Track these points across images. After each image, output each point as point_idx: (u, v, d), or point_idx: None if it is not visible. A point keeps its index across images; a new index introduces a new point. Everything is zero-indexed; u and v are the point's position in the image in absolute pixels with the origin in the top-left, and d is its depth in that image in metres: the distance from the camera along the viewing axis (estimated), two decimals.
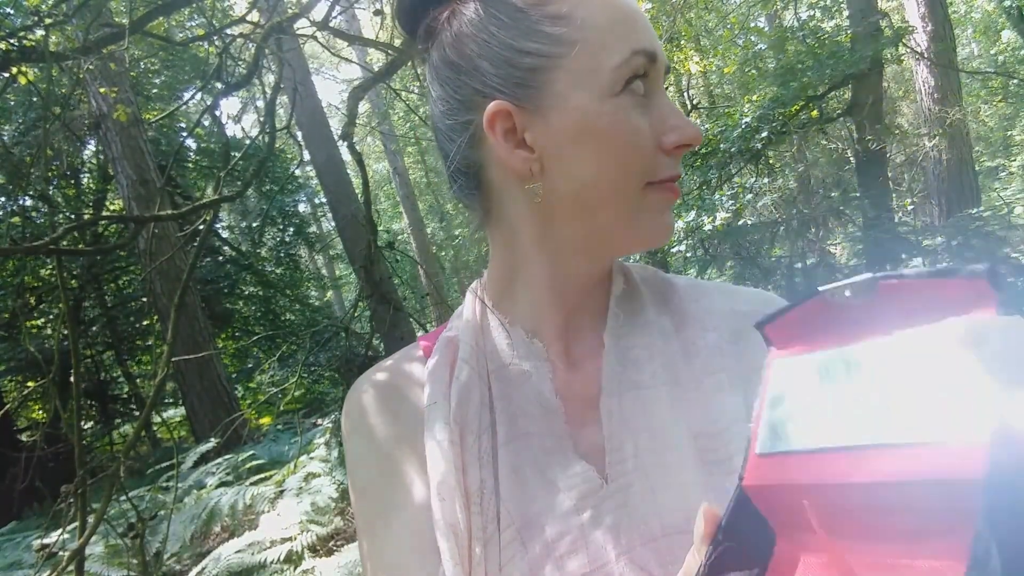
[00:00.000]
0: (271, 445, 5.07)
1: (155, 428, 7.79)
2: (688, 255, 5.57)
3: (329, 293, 16.26)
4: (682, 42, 6.44)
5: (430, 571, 0.48)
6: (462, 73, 0.53)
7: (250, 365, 9.65)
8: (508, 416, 0.53)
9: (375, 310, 4.31)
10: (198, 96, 6.45)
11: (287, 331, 9.05)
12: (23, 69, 2.78)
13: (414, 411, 0.55)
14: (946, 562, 0.22)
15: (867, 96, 5.61)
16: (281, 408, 6.27)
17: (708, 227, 5.00)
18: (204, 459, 4.48)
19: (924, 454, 0.22)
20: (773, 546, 0.28)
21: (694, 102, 7.48)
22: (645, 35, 0.50)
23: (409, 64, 3.24)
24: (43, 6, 3.27)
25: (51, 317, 7.92)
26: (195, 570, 2.72)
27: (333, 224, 8.19)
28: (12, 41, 2.60)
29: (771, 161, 6.20)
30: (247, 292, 10.11)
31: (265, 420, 7.61)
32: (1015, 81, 10.43)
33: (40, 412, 7.56)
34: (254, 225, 10.83)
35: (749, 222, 5.49)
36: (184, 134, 8.90)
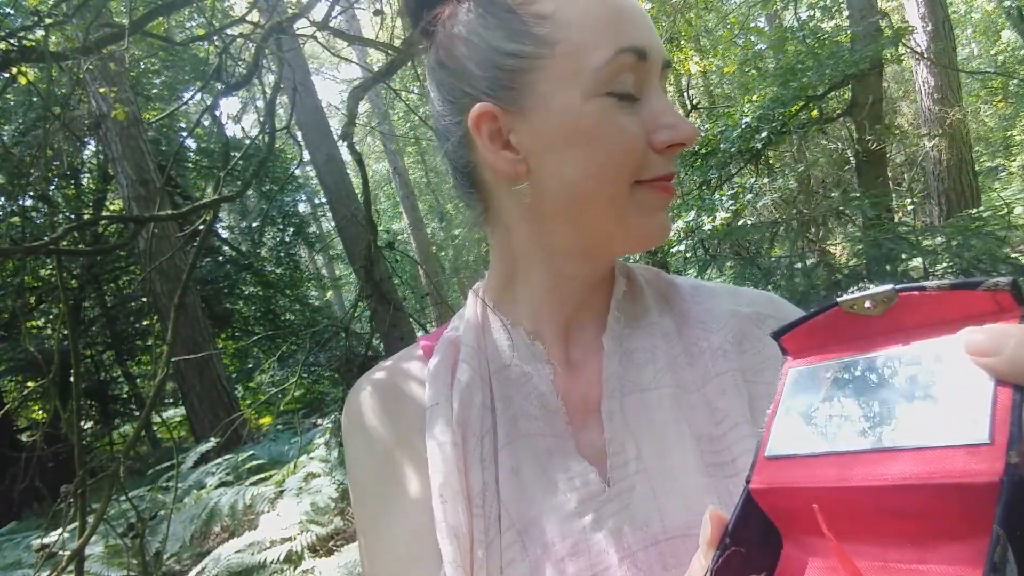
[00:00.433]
0: (271, 445, 5.07)
1: (155, 428, 7.79)
2: (688, 255, 5.57)
3: (329, 293, 16.26)
4: (682, 42, 6.44)
5: (430, 572, 0.48)
6: (453, 75, 0.53)
7: (250, 365, 9.65)
8: (508, 418, 0.52)
9: (375, 310, 4.31)
10: (198, 96, 6.45)
11: (287, 331, 9.04)
12: (23, 69, 2.77)
13: (414, 412, 0.55)
14: (960, 567, 0.21)
15: (867, 96, 5.60)
16: (281, 408, 6.27)
17: (708, 227, 5.00)
18: (204, 459, 4.47)
19: (938, 458, 0.22)
20: (780, 550, 0.28)
21: (694, 102, 7.48)
22: (634, 32, 0.49)
23: (409, 64, 3.24)
24: (43, 6, 3.27)
25: (51, 317, 7.91)
26: (195, 570, 2.72)
27: (333, 224, 8.19)
28: (12, 41, 2.59)
29: (771, 161, 6.19)
30: (247, 292, 10.11)
31: (265, 420, 7.61)
32: (1015, 81, 10.43)
33: (40, 412, 7.56)
34: (254, 225, 10.83)
35: (749, 222, 5.48)
36: (184, 134, 8.90)
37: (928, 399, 0.23)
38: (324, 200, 9.26)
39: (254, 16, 3.41)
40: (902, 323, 0.25)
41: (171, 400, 8.86)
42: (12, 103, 7.01)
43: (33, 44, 2.61)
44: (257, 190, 10.12)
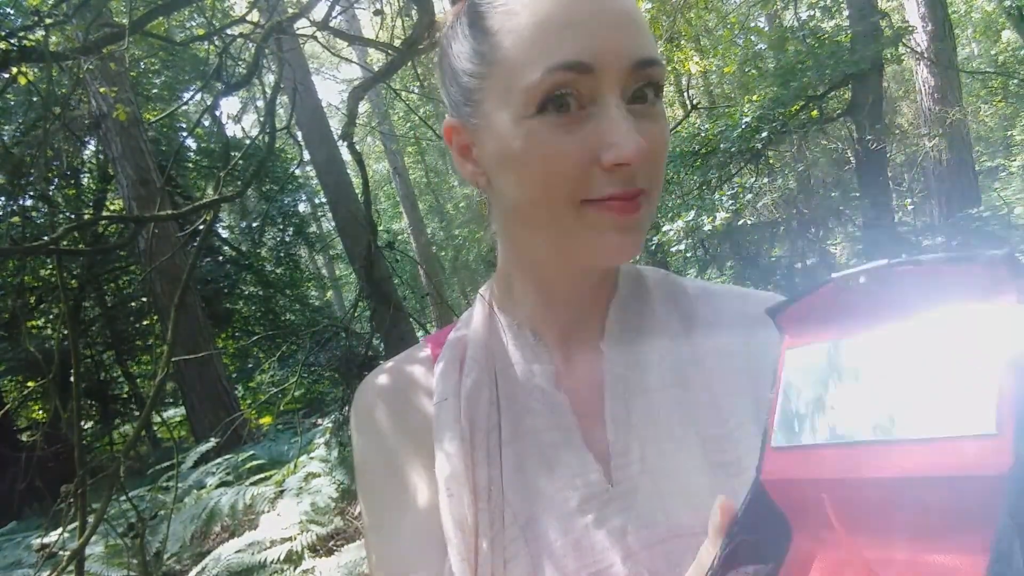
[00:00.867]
0: (271, 445, 5.07)
1: (155, 428, 7.79)
2: (688, 255, 5.57)
3: (329, 293, 16.27)
4: (682, 42, 6.44)
5: (436, 567, 0.49)
6: (441, 86, 0.56)
7: (250, 365, 9.65)
8: (513, 414, 0.53)
9: (375, 310, 4.30)
10: (198, 96, 6.45)
11: (287, 331, 9.04)
12: (23, 69, 2.77)
13: (421, 409, 0.56)
14: (967, 557, 0.22)
15: (867, 96, 5.61)
16: (281, 408, 6.28)
17: (708, 227, 5.00)
18: (204, 459, 4.47)
19: (946, 449, 0.22)
20: (789, 541, 0.28)
21: (694, 102, 7.48)
22: (573, 45, 0.44)
23: (409, 64, 3.24)
24: (43, 6, 3.27)
25: (51, 317, 7.92)
26: (195, 570, 2.72)
27: (333, 224, 8.20)
28: (12, 41, 2.60)
29: (771, 161, 6.19)
30: (247, 292, 10.12)
31: (265, 420, 7.60)
32: (1015, 81, 10.42)
33: (40, 412, 7.56)
34: (254, 225, 10.83)
35: (749, 222, 5.49)
36: (184, 134, 8.90)
37: (932, 385, 0.23)
38: (324, 200, 9.27)
39: (254, 16, 3.42)
40: (899, 298, 0.25)
41: (171, 400, 8.86)
42: (12, 103, 7.01)
43: (33, 44, 2.61)
44: (257, 190, 10.12)
